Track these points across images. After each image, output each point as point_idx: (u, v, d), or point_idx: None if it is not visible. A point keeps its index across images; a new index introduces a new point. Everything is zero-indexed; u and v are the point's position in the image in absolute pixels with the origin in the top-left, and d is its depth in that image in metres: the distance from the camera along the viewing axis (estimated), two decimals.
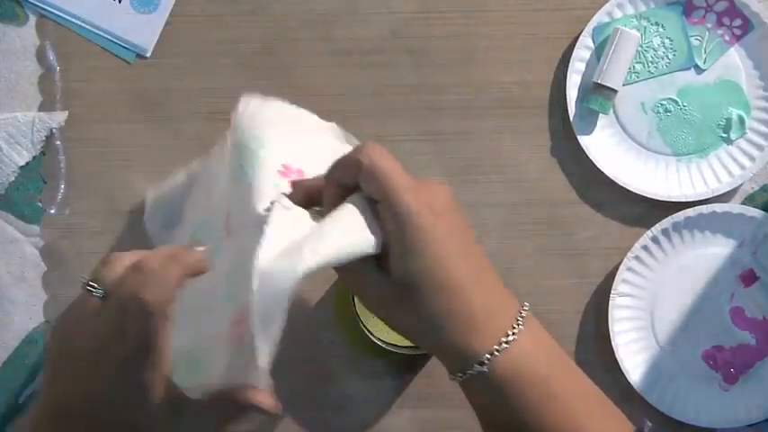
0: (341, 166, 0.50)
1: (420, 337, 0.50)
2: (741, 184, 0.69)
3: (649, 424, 0.53)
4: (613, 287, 0.68)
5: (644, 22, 0.69)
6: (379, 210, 0.48)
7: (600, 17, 0.69)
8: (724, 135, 0.69)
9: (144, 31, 0.70)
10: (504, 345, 0.48)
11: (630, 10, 0.69)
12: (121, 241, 0.70)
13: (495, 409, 0.49)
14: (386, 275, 0.48)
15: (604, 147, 0.69)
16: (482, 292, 0.49)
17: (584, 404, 0.51)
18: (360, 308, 0.64)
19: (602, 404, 0.52)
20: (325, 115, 0.70)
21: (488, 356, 0.47)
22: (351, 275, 0.50)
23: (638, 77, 0.70)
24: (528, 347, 0.49)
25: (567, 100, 0.69)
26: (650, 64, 0.70)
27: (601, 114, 0.69)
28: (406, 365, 0.70)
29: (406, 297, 0.48)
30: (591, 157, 0.69)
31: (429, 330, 0.48)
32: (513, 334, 0.48)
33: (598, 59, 0.69)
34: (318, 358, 0.70)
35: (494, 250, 0.70)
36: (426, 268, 0.47)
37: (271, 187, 0.52)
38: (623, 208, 0.70)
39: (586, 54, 0.70)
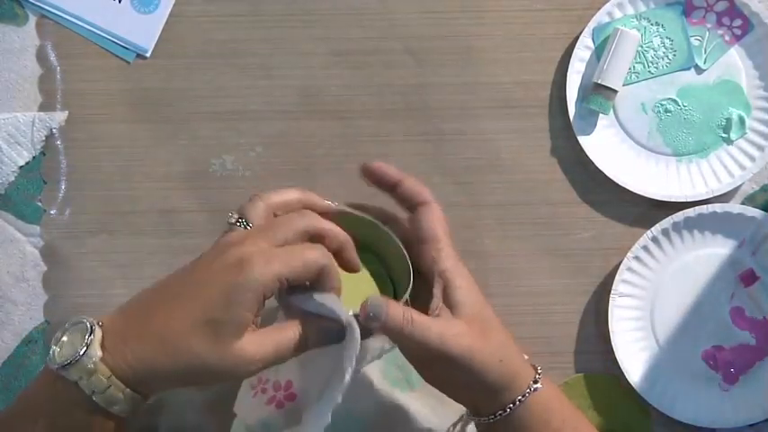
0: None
1: (490, 368, 0.54)
2: (741, 184, 0.69)
3: None
4: (613, 287, 0.68)
5: (644, 22, 0.69)
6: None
7: (600, 17, 0.69)
8: (724, 135, 0.69)
9: (144, 31, 0.70)
10: (528, 393, 0.55)
11: (630, 10, 0.69)
12: (121, 241, 0.70)
13: None
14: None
15: (604, 147, 0.69)
16: (509, 361, 0.55)
17: None
18: None
19: None
20: (325, 115, 0.70)
21: (510, 405, 0.55)
22: (420, 321, 0.54)
23: (638, 77, 0.70)
24: (548, 391, 0.56)
25: (567, 100, 0.69)
26: (650, 64, 0.70)
27: (601, 114, 0.69)
28: None
29: (480, 331, 0.54)
30: (591, 157, 0.69)
31: (497, 359, 0.54)
32: (539, 378, 0.56)
33: (598, 59, 0.69)
34: None
35: (494, 250, 0.70)
36: (478, 307, 0.55)
37: None
38: (623, 208, 0.70)
39: (586, 54, 0.70)
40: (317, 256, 0.52)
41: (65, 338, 0.52)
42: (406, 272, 0.56)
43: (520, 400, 0.54)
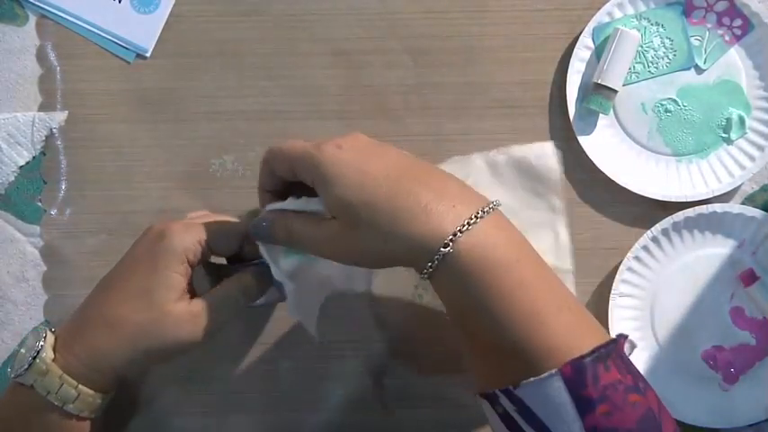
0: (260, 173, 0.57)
1: (378, 253, 0.50)
2: (741, 185, 0.69)
3: (635, 345, 0.54)
4: (613, 287, 0.68)
5: (644, 22, 0.69)
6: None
7: (600, 17, 0.69)
8: (724, 135, 0.69)
9: (144, 31, 0.70)
10: (467, 227, 0.48)
11: (630, 10, 0.69)
12: (121, 241, 0.70)
13: (463, 299, 0.49)
14: (325, 217, 0.52)
15: (604, 147, 0.69)
16: (425, 186, 0.50)
17: (551, 293, 0.49)
18: None
19: (567, 296, 0.51)
20: (325, 115, 0.70)
21: (451, 237, 0.48)
22: (299, 232, 0.53)
23: (638, 77, 0.70)
24: (492, 234, 0.49)
25: (567, 100, 0.69)
26: (650, 64, 0.70)
27: (601, 114, 0.69)
28: None
29: (350, 225, 0.50)
30: (591, 157, 0.69)
31: (381, 240, 0.49)
32: (477, 218, 0.48)
33: (598, 59, 0.69)
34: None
35: None
36: (347, 193, 0.49)
37: None
38: (623, 208, 0.70)
39: (586, 54, 0.70)
40: (237, 225, 0.57)
41: (22, 349, 0.54)
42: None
43: (438, 257, 0.48)
